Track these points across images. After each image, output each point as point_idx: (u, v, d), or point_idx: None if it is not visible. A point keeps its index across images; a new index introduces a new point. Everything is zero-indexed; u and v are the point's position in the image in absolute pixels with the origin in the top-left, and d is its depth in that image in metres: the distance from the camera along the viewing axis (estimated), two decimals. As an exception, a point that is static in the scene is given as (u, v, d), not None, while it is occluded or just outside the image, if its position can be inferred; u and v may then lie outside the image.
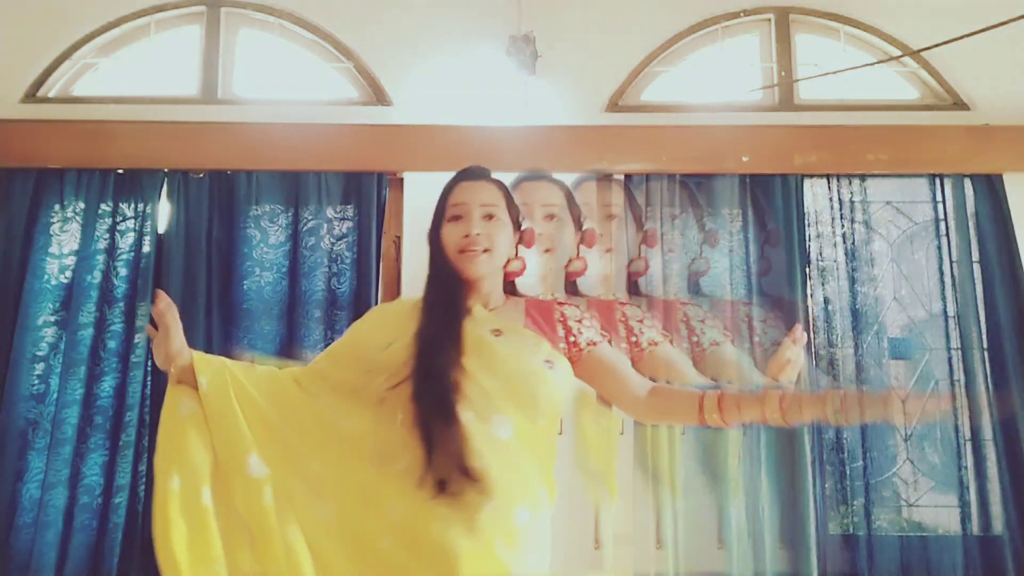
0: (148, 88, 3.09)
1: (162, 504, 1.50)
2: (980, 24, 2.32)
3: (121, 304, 2.71)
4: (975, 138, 2.84)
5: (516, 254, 1.81)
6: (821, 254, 2.77)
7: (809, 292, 2.73)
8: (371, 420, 1.61)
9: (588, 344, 1.72)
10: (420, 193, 2.75)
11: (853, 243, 2.78)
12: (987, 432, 2.64)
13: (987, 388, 2.67)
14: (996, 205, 2.79)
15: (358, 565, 1.52)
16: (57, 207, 2.79)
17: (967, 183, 2.82)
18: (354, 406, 1.63)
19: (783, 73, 3.08)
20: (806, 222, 2.78)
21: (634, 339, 2.04)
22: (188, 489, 1.52)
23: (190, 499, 1.52)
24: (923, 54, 2.95)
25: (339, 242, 2.80)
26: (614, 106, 3.03)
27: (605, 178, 2.52)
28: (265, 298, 2.74)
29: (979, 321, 2.71)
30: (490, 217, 1.74)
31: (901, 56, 3.02)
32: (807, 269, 2.74)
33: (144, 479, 2.60)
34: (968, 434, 2.65)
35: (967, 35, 2.35)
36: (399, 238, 2.86)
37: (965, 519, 2.62)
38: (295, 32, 3.12)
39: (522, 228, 1.83)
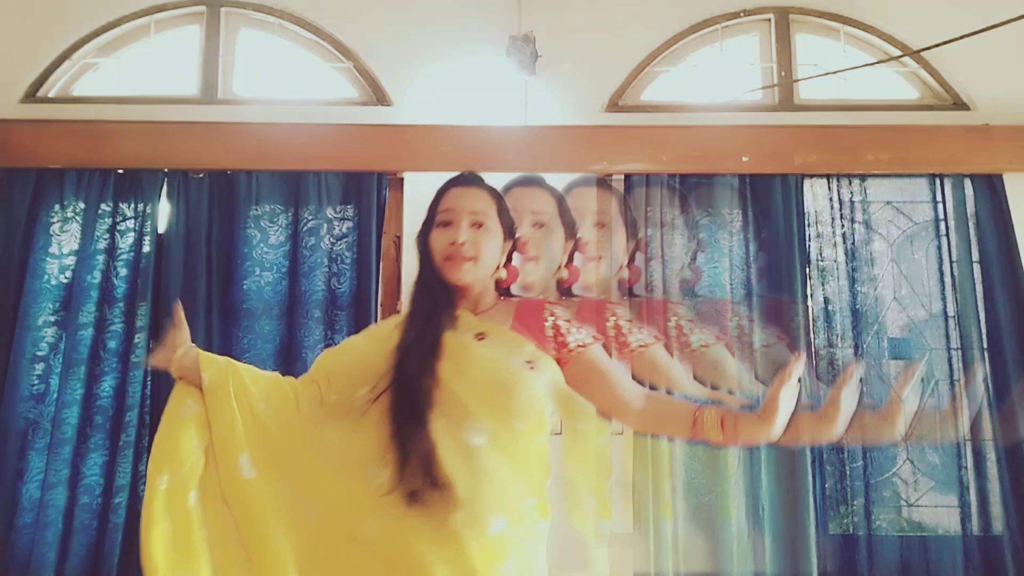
0: (148, 88, 3.09)
1: (148, 502, 1.50)
2: (980, 24, 2.32)
3: (121, 304, 2.71)
4: (975, 138, 2.84)
5: (508, 263, 1.78)
6: (821, 254, 2.76)
7: (809, 292, 2.73)
8: (353, 432, 1.60)
9: (578, 345, 1.68)
10: (420, 193, 2.68)
11: (853, 243, 2.77)
12: (987, 432, 2.64)
13: (987, 388, 2.66)
14: (996, 205, 2.79)
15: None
16: (57, 207, 2.78)
17: (967, 183, 2.81)
18: (340, 418, 1.62)
19: (783, 73, 3.08)
20: (806, 222, 2.77)
21: (623, 340, 2.01)
22: (175, 489, 1.52)
23: (176, 499, 1.52)
24: (923, 54, 2.95)
25: (339, 242, 2.79)
26: (614, 106, 3.03)
27: (600, 182, 2.50)
28: (265, 298, 2.74)
29: (979, 321, 2.71)
30: (479, 225, 1.71)
31: (901, 56, 3.02)
32: (807, 269, 2.74)
33: (144, 479, 2.59)
34: (968, 434, 2.65)
35: (967, 35, 2.35)
36: (399, 238, 2.85)
37: (965, 519, 2.61)
38: (295, 32, 3.12)
39: (516, 237, 1.80)
